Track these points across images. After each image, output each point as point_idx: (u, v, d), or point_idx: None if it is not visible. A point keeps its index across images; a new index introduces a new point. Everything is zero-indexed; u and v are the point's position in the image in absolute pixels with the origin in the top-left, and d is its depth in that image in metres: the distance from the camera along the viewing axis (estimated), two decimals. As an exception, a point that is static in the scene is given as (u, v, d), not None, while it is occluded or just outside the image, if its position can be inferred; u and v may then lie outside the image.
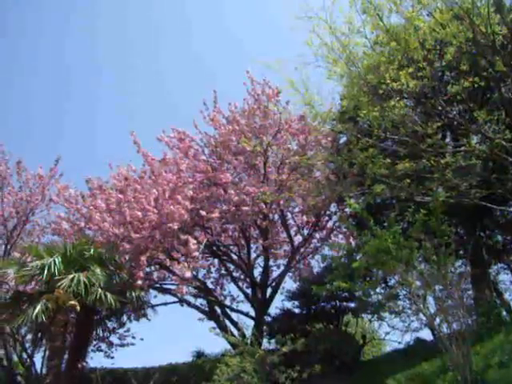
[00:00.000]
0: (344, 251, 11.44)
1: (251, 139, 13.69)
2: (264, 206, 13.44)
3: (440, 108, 9.56)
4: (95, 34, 44.89)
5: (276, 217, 15.39)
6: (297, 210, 15.64)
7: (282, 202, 13.96)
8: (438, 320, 9.01)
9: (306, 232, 15.63)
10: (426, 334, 12.65)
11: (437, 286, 9.01)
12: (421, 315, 9.79)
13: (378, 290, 13.47)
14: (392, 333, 14.26)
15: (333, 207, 14.75)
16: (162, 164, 13.98)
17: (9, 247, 16.45)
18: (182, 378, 13.64)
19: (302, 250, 15.42)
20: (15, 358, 16.66)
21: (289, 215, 15.73)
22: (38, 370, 16.02)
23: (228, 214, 13.54)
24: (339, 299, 14.02)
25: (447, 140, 11.70)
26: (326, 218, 15.42)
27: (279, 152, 14.21)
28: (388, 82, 9.31)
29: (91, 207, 13.49)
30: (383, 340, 17.20)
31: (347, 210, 13.31)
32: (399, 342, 13.80)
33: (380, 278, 11.61)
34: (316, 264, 15.89)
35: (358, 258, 10.33)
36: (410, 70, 9.13)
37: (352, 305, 14.15)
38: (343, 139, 13.14)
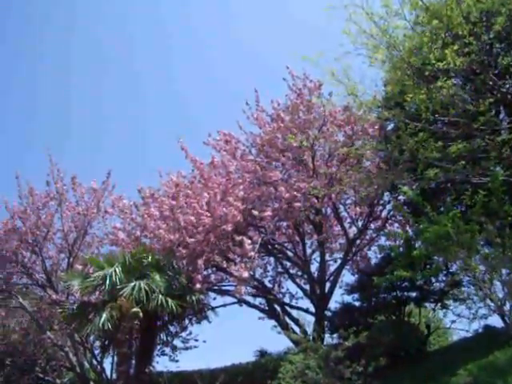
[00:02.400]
0: (401, 240, 11.17)
1: (297, 135, 13.54)
2: (316, 201, 13.32)
3: (491, 83, 9.17)
4: (137, 44, 46.06)
5: (329, 210, 15.23)
6: (349, 201, 15.41)
7: (333, 196, 13.79)
8: (508, 305, 8.65)
9: (360, 223, 15.37)
10: (496, 321, 12.15)
11: (503, 269, 8.66)
12: (488, 301, 9.42)
13: (439, 277, 13.17)
14: (458, 321, 13.84)
15: (386, 196, 14.40)
16: (210, 167, 14.10)
17: (71, 260, 17.09)
18: (247, 378, 13.73)
19: (357, 241, 15.17)
20: (86, 365, 17.37)
21: (341, 208, 15.53)
22: (108, 375, 16.66)
23: (280, 211, 13.48)
24: (400, 289, 13.69)
25: (501, 116, 11.17)
26: (380, 207, 15.09)
27: (326, 145, 14.04)
28: (433, 62, 9.01)
29: (145, 216, 13.77)
30: (449, 329, 16.69)
31: (401, 197, 12.96)
32: (467, 331, 13.39)
33: (441, 265, 11.28)
34: (373, 255, 15.63)
35: (416, 245, 10.08)
36: (456, 47, 8.80)
37: (413, 294, 13.80)
38: (391, 126, 12.80)
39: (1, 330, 18.41)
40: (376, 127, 13.46)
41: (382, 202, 14.86)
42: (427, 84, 9.42)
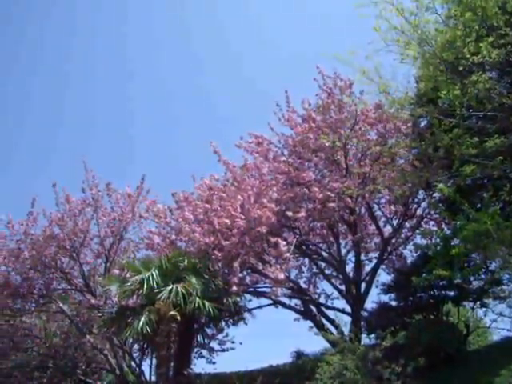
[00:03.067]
0: (438, 238, 11.00)
1: (329, 134, 13.50)
2: (349, 201, 13.25)
3: (529, 75, 8.95)
4: (164, 47, 46.62)
5: (363, 210, 15.08)
6: (383, 200, 15.26)
7: (367, 195, 13.68)
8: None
9: (395, 222, 15.19)
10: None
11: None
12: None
13: (479, 275, 12.89)
14: (499, 320, 13.51)
15: (421, 194, 14.20)
16: (243, 170, 14.18)
17: (108, 265, 17.42)
18: (284, 379, 13.71)
19: (393, 241, 15.01)
20: (125, 367, 17.67)
21: (376, 207, 15.38)
22: (147, 378, 16.91)
23: (314, 212, 13.47)
24: (437, 288, 13.45)
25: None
26: (415, 205, 14.87)
27: (359, 144, 13.92)
28: (467, 56, 8.85)
29: (180, 219, 13.93)
30: (489, 328, 16.29)
31: (436, 195, 12.78)
32: (508, 330, 13.04)
33: (481, 263, 11.06)
34: (409, 254, 15.44)
35: (454, 243, 9.90)
36: (491, 39, 8.63)
37: (452, 293, 13.55)
38: (424, 123, 12.62)
39: (43, 334, 18.87)
40: (409, 125, 13.29)
41: (416, 200, 14.66)
42: (461, 79, 9.25)
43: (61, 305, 17.81)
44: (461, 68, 9.24)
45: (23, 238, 17.03)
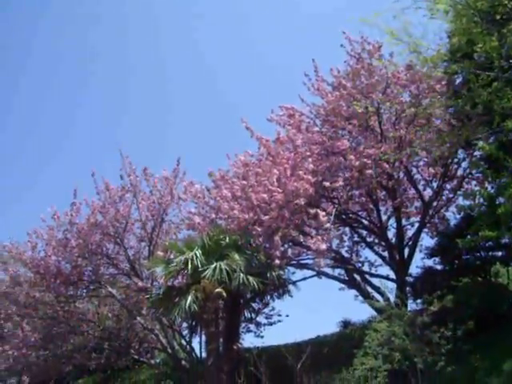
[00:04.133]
0: (481, 198, 10.71)
1: (361, 100, 13.23)
2: (387, 166, 13.02)
3: None
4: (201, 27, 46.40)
5: (401, 174, 14.78)
6: (422, 163, 14.88)
7: (404, 159, 13.38)
8: None
9: (435, 185, 14.83)
10: None
11: None
12: None
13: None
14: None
15: (460, 154, 13.81)
16: (277, 144, 14.08)
17: (152, 248, 17.81)
18: (332, 349, 13.80)
19: (434, 203, 14.66)
20: (176, 346, 18.19)
21: (414, 170, 15.03)
22: (198, 354, 17.37)
23: (352, 180, 13.30)
24: (484, 249, 13.19)
25: None
26: (455, 166, 14.46)
27: (392, 107, 13.58)
28: (504, 2, 8.43)
29: (218, 198, 14.02)
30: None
31: (477, 153, 12.42)
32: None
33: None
34: (452, 216, 15.10)
35: (499, 202, 9.62)
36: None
37: (499, 254, 13.25)
38: (459, 80, 12.17)
39: (96, 318, 19.58)
40: (443, 83, 12.85)
41: (456, 160, 14.24)
42: (498, 28, 8.84)
43: (110, 289, 18.41)
44: (498, 17, 8.83)
45: (69, 228, 17.64)
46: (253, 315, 15.79)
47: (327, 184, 12.88)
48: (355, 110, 13.22)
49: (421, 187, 15.04)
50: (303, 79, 14.80)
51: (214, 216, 14.36)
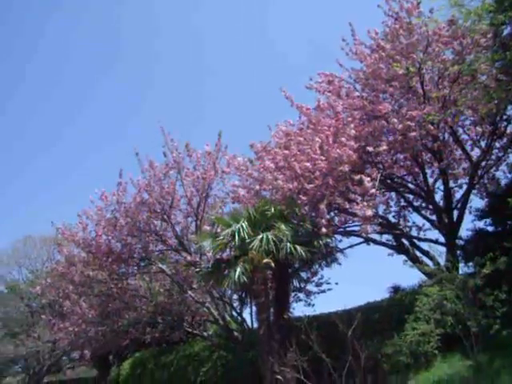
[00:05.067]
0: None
1: (401, 61, 12.87)
2: (431, 127, 12.67)
3: None
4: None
5: (446, 135, 14.40)
6: (468, 122, 14.44)
7: (449, 119, 13.01)
8: None
9: (483, 144, 14.37)
10: None
11: None
12: None
13: None
14: None
15: (509, 110, 13.28)
16: (318, 111, 13.91)
17: (198, 222, 18.09)
18: (383, 315, 13.70)
19: (483, 163, 14.24)
20: (227, 317, 18.59)
21: (460, 130, 14.60)
22: (249, 325, 17.69)
23: (396, 144, 13.04)
24: (538, 208, 12.74)
25: None
26: (504, 123, 13.93)
27: (434, 67, 13.16)
28: None
29: (261, 169, 14.03)
30: None
31: (527, 108, 11.93)
32: None
33: None
34: (502, 175, 14.71)
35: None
36: None
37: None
38: (507, 31, 11.63)
39: (148, 294, 20.17)
40: (489, 36, 12.29)
41: (505, 117, 13.71)
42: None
43: (160, 265, 18.93)
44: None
45: (117, 208, 18.11)
46: (302, 284, 15.86)
47: (371, 149, 12.68)
48: (396, 72, 12.89)
49: (468, 147, 14.65)
50: (341, 44, 14.51)
51: (258, 187, 14.37)
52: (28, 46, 69.01)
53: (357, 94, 14.14)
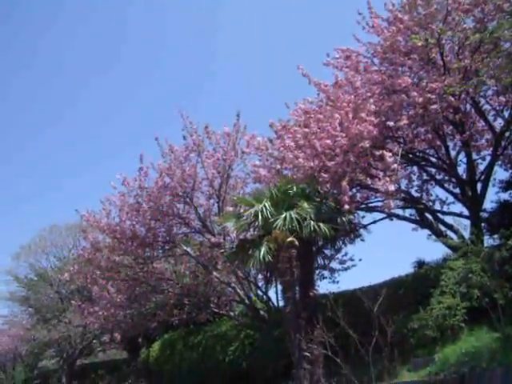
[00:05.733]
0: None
1: (420, 33, 12.62)
2: (452, 99, 12.44)
3: None
4: None
5: (468, 107, 14.17)
6: (490, 92, 14.09)
7: (471, 90, 12.73)
8: None
9: (506, 114, 14.05)
10: None
11: None
12: None
13: None
14: None
15: (534, 77, 12.98)
16: (336, 87, 13.76)
17: (220, 204, 18.22)
18: (408, 289, 13.70)
19: (506, 134, 13.95)
20: (253, 297, 18.75)
21: (482, 101, 14.27)
22: (275, 303, 17.86)
23: (416, 117, 12.86)
24: None
25: None
26: (528, 91, 13.66)
27: (454, 36, 12.88)
28: None
29: (281, 148, 13.99)
30: None
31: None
32: None
33: None
34: (527, 145, 14.39)
35: None
36: None
37: None
38: (532, -6, 11.29)
39: (174, 276, 20.45)
40: (512, -1, 11.96)
41: (530, 84, 13.43)
42: None
43: (184, 247, 19.13)
44: None
45: (139, 193, 18.32)
46: (326, 262, 15.91)
47: (391, 124, 12.55)
48: (414, 44, 12.64)
49: (491, 118, 14.35)
50: (357, 18, 14.28)
51: (279, 167, 14.36)
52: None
53: (375, 68, 13.93)
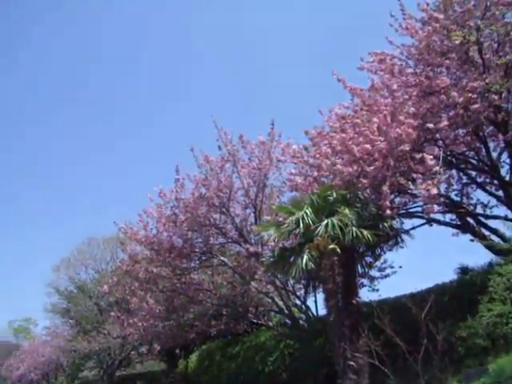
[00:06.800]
0: None
1: (457, 31, 12.32)
2: (495, 98, 12.07)
3: None
4: None
5: (510, 105, 13.73)
6: (534, 89, 13.67)
7: (513, 87, 12.38)
8: None
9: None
10: None
11: None
12: None
13: None
14: None
15: None
16: (372, 91, 13.56)
17: (257, 213, 18.14)
18: (454, 296, 13.32)
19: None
20: (291, 306, 18.60)
21: (526, 98, 13.85)
22: (314, 312, 17.63)
23: (457, 118, 12.54)
24: None
25: None
26: None
27: (495, 32, 12.51)
28: None
29: (317, 156, 13.83)
30: None
31: None
32: None
33: None
34: None
35: None
36: None
37: None
38: None
39: (211, 287, 20.42)
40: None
41: None
42: None
43: (221, 258, 19.08)
44: None
45: (176, 204, 18.38)
46: (366, 269, 15.63)
47: (431, 126, 12.24)
48: (451, 43, 12.38)
49: (536, 116, 13.86)
50: (389, 21, 14.06)
51: (316, 174, 14.17)
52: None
53: (410, 70, 13.68)
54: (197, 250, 18.99)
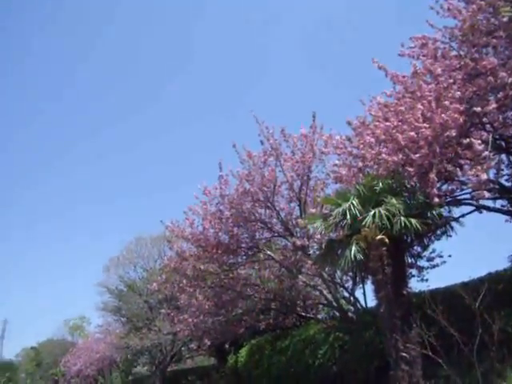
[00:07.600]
0: None
1: (505, 8, 11.81)
2: (548, 76, 11.56)
3: None
4: None
5: None
6: None
7: None
8: None
9: None
10: None
11: None
12: None
13: None
14: None
15: None
16: (416, 77, 13.21)
17: (302, 206, 18.11)
18: (508, 285, 12.92)
19: None
20: (340, 299, 18.51)
21: None
22: (363, 304, 17.48)
23: (506, 99, 12.05)
24: None
25: None
26: None
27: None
28: None
29: (361, 146, 13.63)
30: None
31: None
32: None
33: None
34: None
35: None
36: None
37: None
38: None
39: (259, 281, 20.56)
40: None
41: None
42: None
43: (268, 252, 19.15)
44: None
45: (221, 201, 18.62)
46: (414, 259, 15.35)
47: (478, 109, 11.80)
48: (497, 21, 11.87)
49: None
50: (429, 3, 13.65)
51: (360, 164, 13.95)
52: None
53: (454, 53, 13.20)
54: (243, 246, 19.13)
